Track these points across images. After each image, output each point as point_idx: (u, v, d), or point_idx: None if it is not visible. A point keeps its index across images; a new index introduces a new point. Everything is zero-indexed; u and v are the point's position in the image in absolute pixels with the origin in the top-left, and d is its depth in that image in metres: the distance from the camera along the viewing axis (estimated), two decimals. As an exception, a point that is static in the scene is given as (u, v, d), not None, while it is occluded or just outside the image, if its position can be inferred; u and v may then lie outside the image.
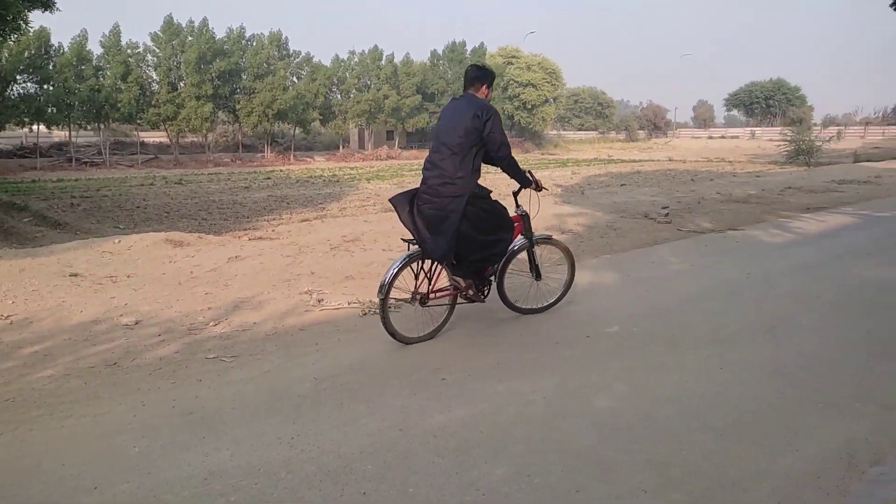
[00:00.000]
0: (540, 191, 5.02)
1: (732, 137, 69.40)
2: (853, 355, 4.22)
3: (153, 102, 33.72)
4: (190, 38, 34.01)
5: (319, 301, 5.54)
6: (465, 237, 4.33)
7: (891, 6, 29.72)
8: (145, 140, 39.19)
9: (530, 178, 4.84)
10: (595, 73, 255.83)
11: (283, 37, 37.72)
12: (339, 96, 41.11)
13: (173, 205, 16.53)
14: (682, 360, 4.16)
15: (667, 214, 10.73)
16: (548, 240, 5.30)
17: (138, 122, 34.80)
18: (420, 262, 4.46)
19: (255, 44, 36.49)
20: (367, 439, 3.11)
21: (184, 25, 34.40)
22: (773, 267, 6.86)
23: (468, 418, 3.33)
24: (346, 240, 8.68)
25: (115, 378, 3.91)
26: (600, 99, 74.81)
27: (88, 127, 34.63)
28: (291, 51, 38.34)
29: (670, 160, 32.94)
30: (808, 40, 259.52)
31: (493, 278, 4.78)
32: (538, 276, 5.15)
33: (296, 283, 6.15)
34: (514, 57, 50.09)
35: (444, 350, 4.39)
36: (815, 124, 51.90)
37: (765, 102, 79.33)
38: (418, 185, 4.45)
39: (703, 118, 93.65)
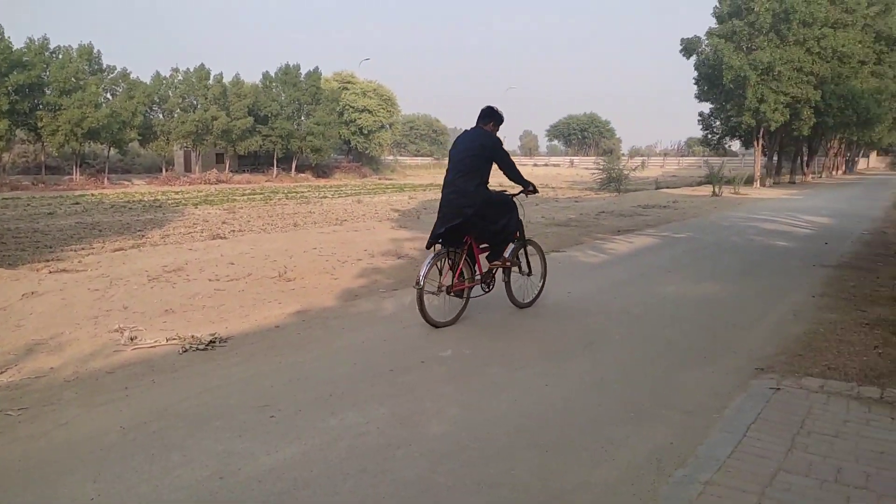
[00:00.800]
0: (535, 193, 6.18)
1: (554, 165, 75.13)
2: (658, 365, 4.63)
3: (-69, 117, 29.11)
4: (-20, 48, 29.90)
5: (132, 339, 5.03)
6: (486, 232, 5.69)
7: (680, 52, 33.90)
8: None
9: (529, 184, 5.99)
10: (429, 100, 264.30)
11: (95, 50, 34.49)
12: (161, 116, 38.35)
13: (-44, 234, 14.28)
14: (513, 379, 4.31)
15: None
16: (530, 241, 6.42)
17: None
18: (444, 259, 5.51)
19: (61, 56, 32.96)
20: (182, 492, 2.82)
21: (-28, 33, 30.18)
22: (589, 285, 7.41)
23: (298, 457, 3.15)
24: (168, 270, 8.03)
25: None
26: (434, 126, 77.39)
27: None
28: (105, 65, 35.13)
29: (500, 185, 34.73)
30: (616, 79, 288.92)
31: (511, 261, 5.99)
32: (530, 273, 6.29)
33: (104, 321, 5.55)
34: (349, 82, 50.14)
35: (273, 385, 4.16)
36: (623, 154, 57.55)
37: (581, 134, 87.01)
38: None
39: (528, 147, 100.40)
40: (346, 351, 4.93)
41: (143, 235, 11.78)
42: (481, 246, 5.83)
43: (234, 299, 6.60)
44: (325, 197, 23.93)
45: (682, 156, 74.24)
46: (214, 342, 4.99)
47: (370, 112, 49.44)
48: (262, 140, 40.17)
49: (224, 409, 3.77)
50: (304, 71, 42.53)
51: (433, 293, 5.44)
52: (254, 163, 44.33)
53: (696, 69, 34.48)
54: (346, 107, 48.73)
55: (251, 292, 6.94)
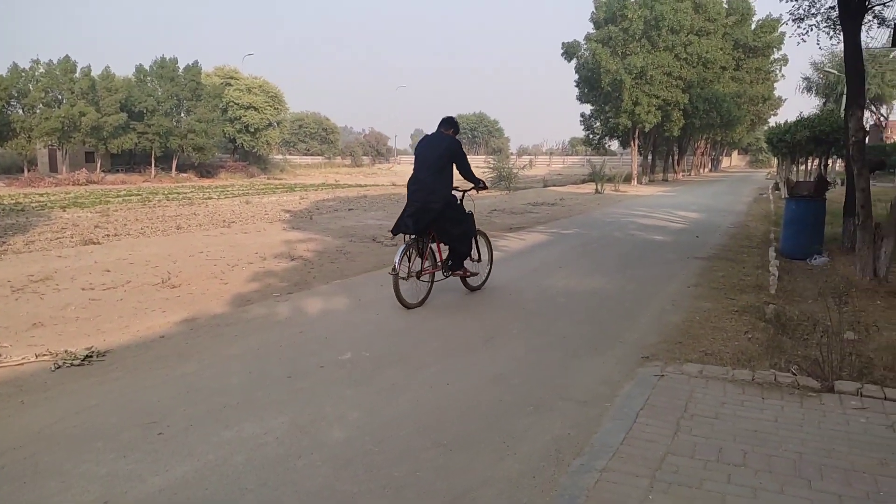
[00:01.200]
0: (484, 190, 6.93)
1: (446, 164, 75.89)
2: (553, 357, 4.79)
3: None
4: None
5: (-6, 358, 4.55)
6: (447, 234, 6.44)
7: (562, 55, 35.28)
8: None
9: (479, 181, 6.74)
10: (319, 98, 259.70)
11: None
12: (20, 111, 35.02)
13: None
14: (414, 379, 4.30)
15: (393, 237, 11.19)
16: (480, 232, 7.16)
17: None
18: (413, 249, 6.28)
19: None
20: (61, 523, 2.59)
21: None
22: (487, 281, 7.54)
23: (191, 475, 2.98)
24: (34, 280, 7.36)
25: None
26: (325, 124, 76.02)
27: None
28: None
29: (394, 185, 34.66)
30: (503, 80, 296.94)
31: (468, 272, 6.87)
32: (479, 259, 7.11)
33: (-40, 339, 4.98)
34: (232, 78, 48.00)
35: (160, 399, 3.90)
36: (511, 154, 59.23)
37: (470, 133, 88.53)
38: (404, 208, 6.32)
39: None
40: (239, 359, 4.72)
41: (2, 242, 10.70)
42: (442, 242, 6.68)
43: (112, 309, 6.15)
44: (211, 198, 22.84)
45: (566, 155, 77.59)
46: (91, 356, 4.62)
47: (256, 109, 47.65)
48: (138, 138, 37.60)
49: (105, 428, 3.49)
50: (182, 65, 40.31)
51: (404, 279, 6.10)
52: (129, 162, 41.49)
53: (576, 72, 36.08)
54: (231, 103, 46.68)
55: (131, 301, 6.50)
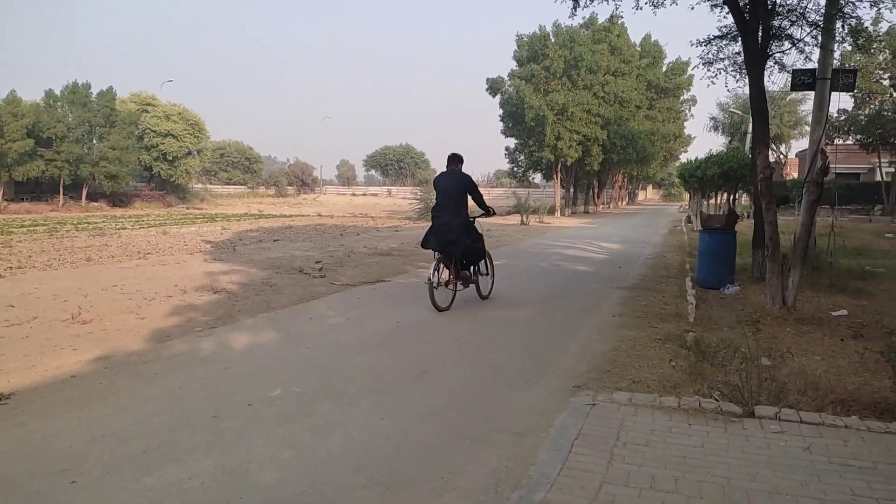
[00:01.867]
0: (494, 215, 8.85)
1: (373, 195, 75.92)
2: (488, 389, 4.79)
3: None
4: None
5: None
6: (465, 249, 7.85)
7: (487, 90, 36.17)
8: None
9: (489, 209, 8.36)
10: (242, 127, 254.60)
11: None
12: (-89, 135, 32.51)
13: None
14: (346, 415, 4.19)
15: (321, 269, 11.00)
16: (487, 253, 8.56)
17: None
18: (442, 263, 7.73)
19: None
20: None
21: None
22: (416, 315, 7.51)
23: (108, 528, 2.76)
24: (-75, 317, 6.74)
25: None
26: (247, 154, 74.51)
27: None
28: None
29: (319, 215, 34.25)
30: (429, 112, 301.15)
31: (473, 277, 8.24)
32: (488, 272, 8.61)
33: None
34: (150, 105, 46.34)
35: (73, 445, 3.62)
36: (438, 185, 59.78)
37: (397, 164, 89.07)
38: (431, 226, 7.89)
39: (346, 176, 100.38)
40: (159, 399, 4.46)
41: None
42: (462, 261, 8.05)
43: (16, 347, 5.70)
44: (124, 228, 21.79)
45: (492, 187, 78.98)
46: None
47: (175, 137, 46.10)
48: (46, 165, 35.60)
49: (10, 478, 3.20)
50: (95, 90, 38.67)
51: (436, 287, 7.52)
52: (35, 190, 39.07)
53: (501, 107, 37.10)
54: (148, 130, 44.99)
55: (38, 338, 6.06)
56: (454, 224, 7.69)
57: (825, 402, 4.28)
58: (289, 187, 72.64)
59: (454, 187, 7.81)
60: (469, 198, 7.94)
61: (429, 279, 7.48)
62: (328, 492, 3.13)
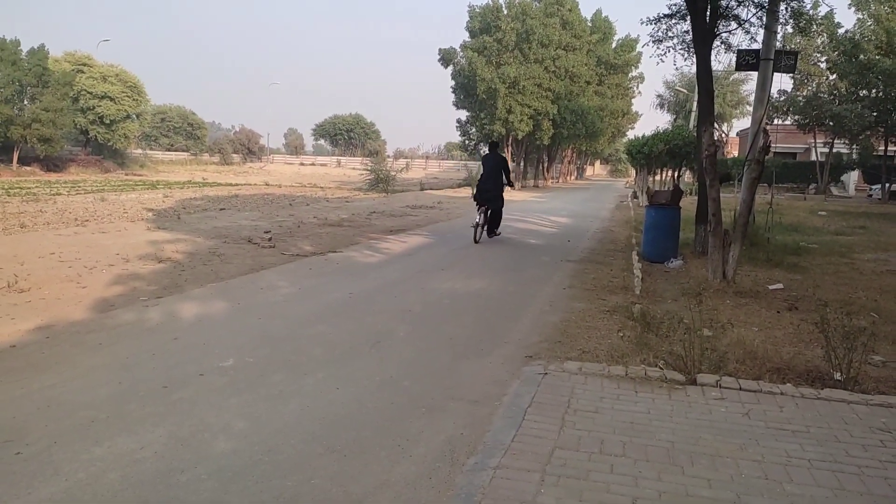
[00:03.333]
0: (512, 187, 13.59)
1: (322, 165, 74.51)
2: (442, 359, 4.85)
3: None
4: None
5: None
6: (494, 206, 11.99)
7: (438, 61, 35.86)
8: None
9: (511, 182, 12.78)
10: (183, 91, 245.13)
11: None
12: None
13: None
14: (301, 385, 4.18)
15: (270, 239, 10.81)
16: None
17: None
18: (483, 213, 11.76)
19: None
20: None
21: None
22: (369, 285, 7.50)
23: (59, 496, 2.71)
24: None
25: None
26: (190, 119, 71.87)
27: None
28: None
29: (267, 185, 33.46)
30: (380, 82, 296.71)
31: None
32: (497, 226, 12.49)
33: None
34: (85, 65, 43.89)
35: (16, 416, 3.50)
36: (388, 156, 59.21)
37: (347, 134, 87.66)
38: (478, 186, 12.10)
39: (294, 145, 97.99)
40: (106, 369, 4.35)
41: None
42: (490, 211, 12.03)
43: (-53, 317, 5.43)
44: (59, 193, 20.81)
45: (442, 159, 78.77)
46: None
47: (112, 99, 43.93)
48: (-29, 125, 33.58)
49: (-53, 453, 3.08)
50: (25, 48, 36.49)
51: (477, 227, 11.65)
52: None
53: (453, 78, 36.83)
54: (83, 92, 42.77)
55: (-29, 308, 5.78)
56: (493, 188, 11.81)
57: (762, 371, 4.52)
58: (234, 155, 70.45)
59: (494, 164, 11.99)
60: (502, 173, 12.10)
61: (476, 222, 11.70)
62: (284, 460, 3.14)
